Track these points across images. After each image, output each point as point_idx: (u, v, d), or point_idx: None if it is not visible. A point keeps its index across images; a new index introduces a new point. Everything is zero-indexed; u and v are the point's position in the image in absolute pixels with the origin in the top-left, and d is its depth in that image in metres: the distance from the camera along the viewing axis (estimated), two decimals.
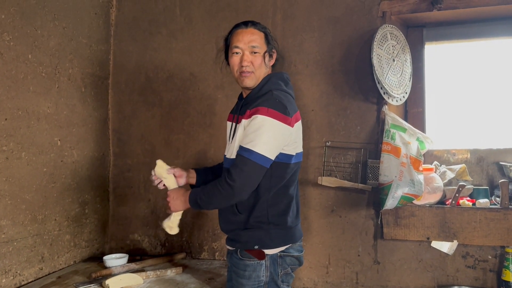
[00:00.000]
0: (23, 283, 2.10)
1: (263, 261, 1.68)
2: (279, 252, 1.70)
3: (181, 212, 1.84)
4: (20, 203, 2.09)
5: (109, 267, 2.24)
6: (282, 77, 1.78)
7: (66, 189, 2.38)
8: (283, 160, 1.67)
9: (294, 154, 1.71)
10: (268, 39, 1.77)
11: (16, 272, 2.06)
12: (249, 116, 1.64)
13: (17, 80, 2.07)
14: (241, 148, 1.62)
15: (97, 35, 2.65)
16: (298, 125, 1.73)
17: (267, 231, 1.68)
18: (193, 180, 1.94)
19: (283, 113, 1.61)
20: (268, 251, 1.69)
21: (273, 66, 1.83)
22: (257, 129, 1.59)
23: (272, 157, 1.62)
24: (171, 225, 1.84)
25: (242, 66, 1.72)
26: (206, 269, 2.35)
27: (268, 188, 1.68)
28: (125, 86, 2.75)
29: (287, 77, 1.80)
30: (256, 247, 1.68)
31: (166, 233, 2.62)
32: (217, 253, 2.58)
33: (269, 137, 1.59)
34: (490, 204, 2.12)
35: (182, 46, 2.67)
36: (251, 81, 1.74)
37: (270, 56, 1.78)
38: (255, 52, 1.73)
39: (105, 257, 2.34)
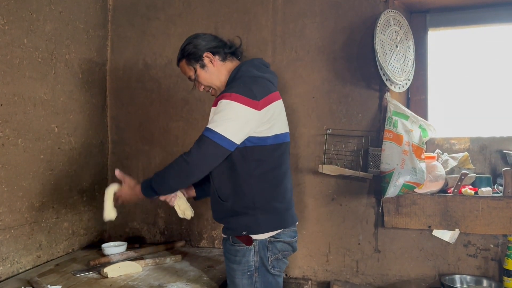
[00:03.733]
0: (20, 270, 2.08)
1: (252, 247, 1.69)
2: (268, 237, 1.71)
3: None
4: (17, 190, 2.06)
5: (108, 255, 2.23)
6: (252, 64, 1.80)
7: (63, 176, 2.36)
8: (257, 143, 1.67)
9: (270, 135, 1.69)
10: (190, 61, 1.81)
11: (14, 260, 2.05)
12: (216, 104, 1.68)
13: (13, 65, 2.03)
14: (204, 129, 1.65)
15: (94, 20, 2.60)
16: (273, 107, 1.70)
17: (254, 217, 1.69)
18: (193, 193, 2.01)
19: (248, 96, 1.63)
20: (256, 237, 1.70)
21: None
22: (219, 111, 1.64)
23: (236, 140, 1.63)
24: (182, 208, 1.89)
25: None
26: (206, 257, 2.34)
27: (249, 172, 1.68)
28: (122, 73, 2.71)
29: (260, 62, 1.83)
30: (244, 233, 1.70)
31: (165, 221, 2.64)
32: (216, 241, 2.57)
33: (230, 119, 1.62)
34: (493, 193, 2.10)
35: (181, 31, 2.61)
36: (218, 93, 1.79)
37: (203, 66, 1.81)
38: (195, 79, 1.84)
39: (103, 245, 2.32)
